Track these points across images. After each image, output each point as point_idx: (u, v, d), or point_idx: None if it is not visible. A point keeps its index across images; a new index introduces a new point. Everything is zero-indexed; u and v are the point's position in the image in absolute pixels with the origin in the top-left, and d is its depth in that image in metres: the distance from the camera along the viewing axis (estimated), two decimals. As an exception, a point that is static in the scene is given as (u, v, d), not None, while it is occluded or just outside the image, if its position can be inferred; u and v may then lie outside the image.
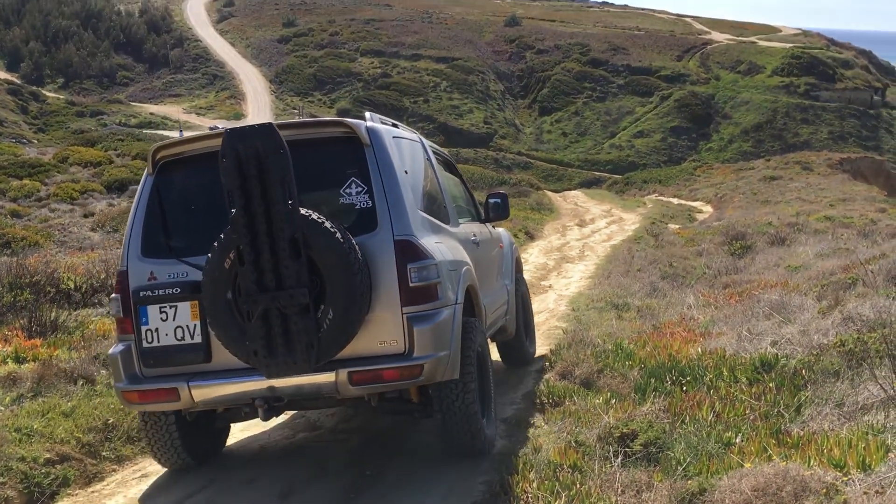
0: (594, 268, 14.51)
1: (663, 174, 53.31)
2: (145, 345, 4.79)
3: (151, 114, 79.36)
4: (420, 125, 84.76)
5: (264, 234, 4.37)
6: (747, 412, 4.66)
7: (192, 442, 5.32)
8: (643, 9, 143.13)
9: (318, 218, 4.46)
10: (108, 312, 8.58)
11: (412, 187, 5.06)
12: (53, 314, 8.88)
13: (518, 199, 28.58)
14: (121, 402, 5.05)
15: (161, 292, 4.76)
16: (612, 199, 37.18)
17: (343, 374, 4.58)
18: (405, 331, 4.62)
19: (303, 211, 4.45)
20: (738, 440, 4.22)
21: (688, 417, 4.61)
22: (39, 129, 70.41)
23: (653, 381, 5.47)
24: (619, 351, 6.38)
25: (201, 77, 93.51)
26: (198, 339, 4.74)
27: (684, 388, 5.25)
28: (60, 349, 7.65)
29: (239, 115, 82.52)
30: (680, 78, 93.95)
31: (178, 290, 4.75)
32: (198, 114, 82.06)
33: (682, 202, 38.00)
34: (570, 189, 50.65)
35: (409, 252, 4.69)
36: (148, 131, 58.12)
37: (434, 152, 6.17)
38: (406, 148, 5.37)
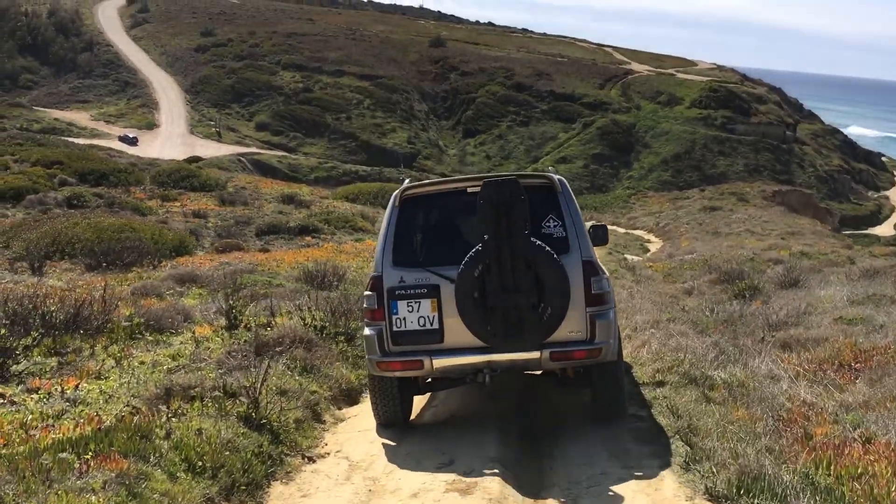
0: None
1: (598, 201, 52.41)
2: (395, 329, 6.44)
3: (56, 119, 73.98)
4: (342, 143, 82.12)
5: (507, 254, 6.07)
6: None
7: (404, 405, 6.92)
8: (564, 37, 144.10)
9: (542, 245, 6.16)
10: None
11: (583, 221, 6.74)
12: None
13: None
14: (372, 370, 6.61)
15: (410, 291, 6.39)
16: (554, 226, 35.43)
17: (546, 353, 6.27)
18: (588, 324, 6.31)
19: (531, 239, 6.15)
20: None
21: None
22: (-72, 131, 64.56)
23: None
24: (814, 490, 3.98)
25: (111, 83, 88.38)
26: (435, 325, 6.38)
27: None
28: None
29: (151, 125, 78.00)
30: (602, 106, 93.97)
31: (425, 290, 6.38)
32: (107, 121, 77.10)
33: (627, 231, 36.63)
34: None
35: (591, 269, 6.40)
36: (53, 137, 53.46)
37: None
38: (573, 192, 6.97)
